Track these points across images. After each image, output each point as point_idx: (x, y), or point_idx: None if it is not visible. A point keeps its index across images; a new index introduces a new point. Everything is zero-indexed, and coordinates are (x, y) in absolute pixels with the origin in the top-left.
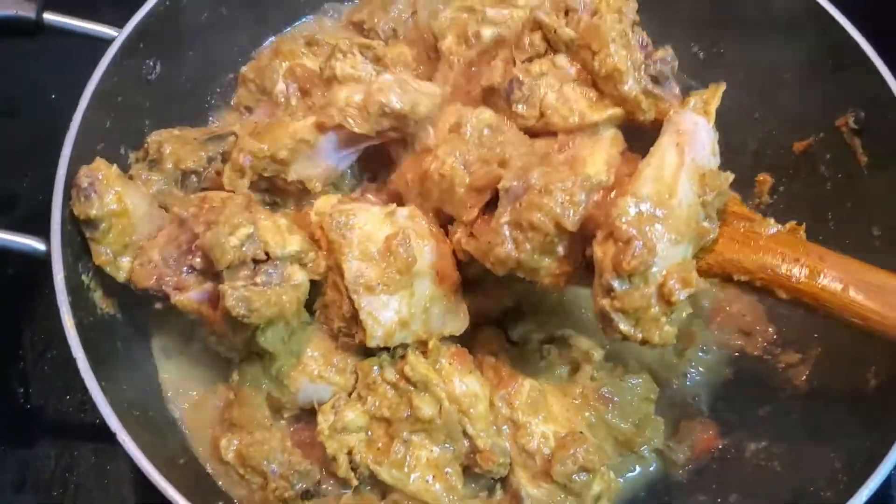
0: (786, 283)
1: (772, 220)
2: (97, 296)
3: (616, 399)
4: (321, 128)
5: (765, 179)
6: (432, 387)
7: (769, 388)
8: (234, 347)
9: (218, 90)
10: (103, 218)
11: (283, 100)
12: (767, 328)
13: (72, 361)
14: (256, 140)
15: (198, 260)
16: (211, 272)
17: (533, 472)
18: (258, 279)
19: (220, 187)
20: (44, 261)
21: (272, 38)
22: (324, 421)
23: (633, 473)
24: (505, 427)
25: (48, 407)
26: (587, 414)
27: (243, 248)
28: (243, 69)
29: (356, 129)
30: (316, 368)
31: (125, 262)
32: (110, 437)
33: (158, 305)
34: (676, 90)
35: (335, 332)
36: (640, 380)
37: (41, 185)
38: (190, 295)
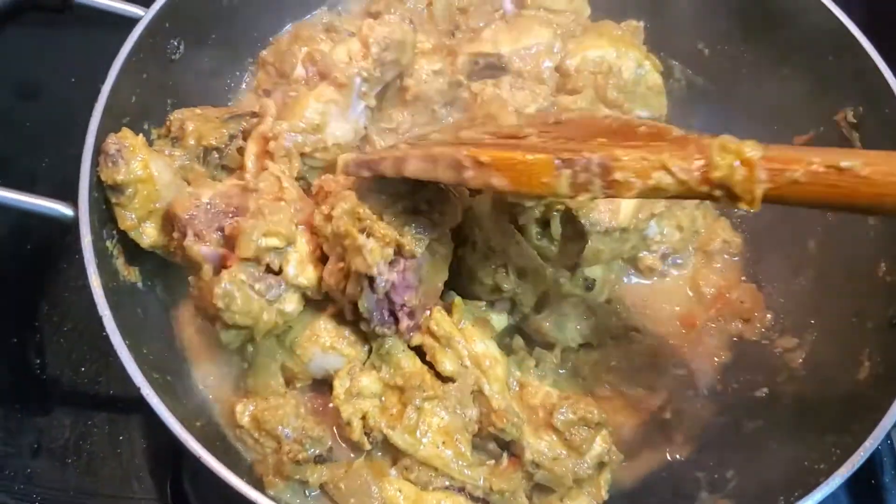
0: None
1: None
2: (119, 263)
3: (625, 369)
4: (339, 86)
5: None
6: (455, 344)
7: (767, 371)
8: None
9: (237, 73)
10: (129, 183)
11: (302, 83)
12: (766, 314)
13: (86, 334)
14: (284, 118)
15: (229, 228)
16: (232, 245)
17: (535, 424)
18: (258, 285)
19: (242, 165)
20: (64, 232)
21: (291, 25)
22: (339, 385)
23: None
24: (513, 383)
25: (63, 377)
26: (603, 387)
27: (267, 254)
28: (263, 53)
29: (368, 74)
30: (328, 339)
31: (149, 227)
32: (124, 408)
33: (175, 234)
34: None
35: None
36: (643, 348)
37: (60, 165)
38: (202, 248)
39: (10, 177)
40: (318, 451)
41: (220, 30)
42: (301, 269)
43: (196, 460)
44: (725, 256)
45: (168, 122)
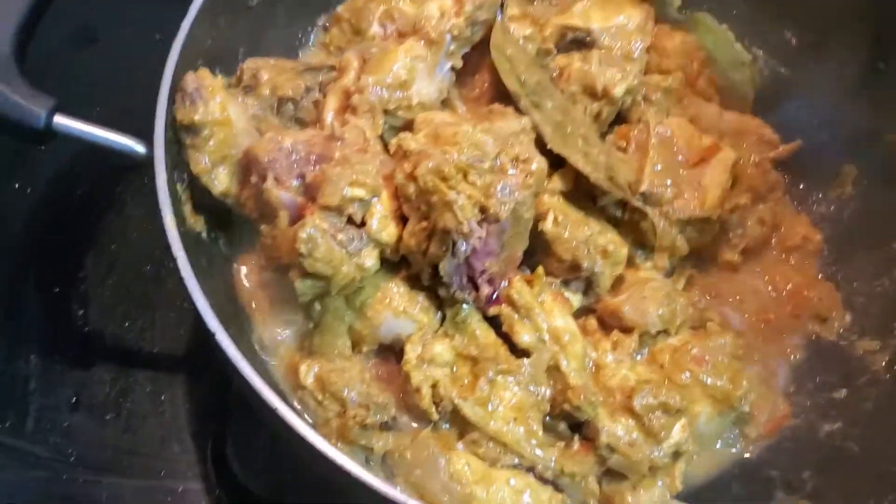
0: None
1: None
2: (187, 209)
3: (707, 358)
4: (430, 42)
5: (850, 171)
6: (534, 315)
7: (845, 373)
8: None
9: (309, 28)
10: (206, 124)
11: (378, 41)
12: (844, 315)
13: (133, 288)
14: (372, 73)
15: (311, 175)
16: (311, 194)
17: (612, 407)
18: (340, 236)
19: (317, 119)
20: (118, 178)
21: None
22: (411, 350)
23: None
24: (589, 363)
25: (106, 332)
26: (682, 376)
27: (351, 204)
28: (339, 8)
29: (459, 32)
30: (401, 303)
31: (222, 173)
32: (168, 366)
33: (254, 179)
34: None
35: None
36: (726, 339)
37: (117, 113)
38: (282, 194)
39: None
40: (382, 419)
41: None
42: (384, 225)
43: (243, 424)
44: (804, 253)
45: (240, 71)
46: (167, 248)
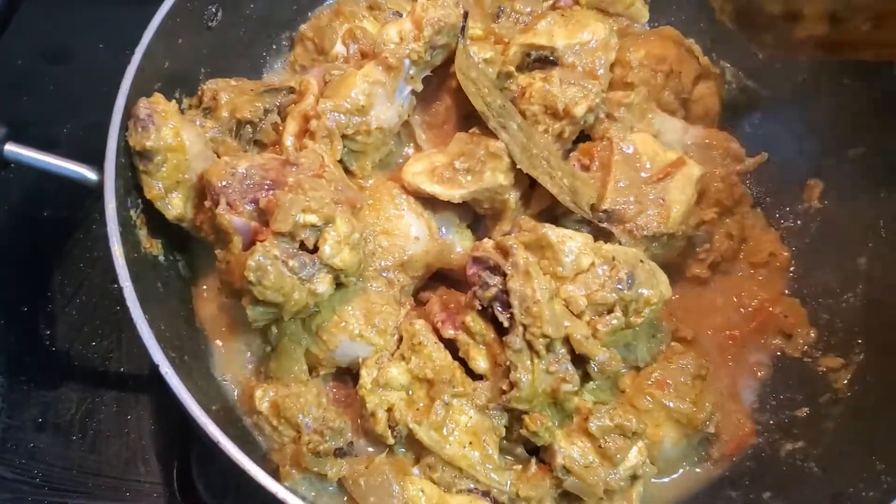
0: None
1: None
2: (142, 234)
3: (669, 381)
4: (389, 67)
5: (815, 184)
6: (490, 338)
7: (808, 391)
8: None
9: (274, 47)
10: (159, 150)
11: (341, 61)
12: (809, 331)
13: (99, 308)
14: (330, 98)
15: (265, 200)
16: (265, 219)
17: (569, 429)
18: (291, 262)
19: (276, 142)
20: (82, 200)
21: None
22: (367, 374)
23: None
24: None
25: (73, 351)
26: (644, 400)
27: (304, 230)
28: (302, 27)
29: (418, 56)
30: (357, 327)
31: (176, 198)
32: (134, 386)
33: (207, 203)
34: None
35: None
36: (688, 360)
37: (85, 130)
38: (234, 219)
39: (32, 139)
40: (338, 444)
41: (258, 0)
42: (337, 250)
43: (206, 446)
44: (771, 269)
45: (200, 92)
46: None
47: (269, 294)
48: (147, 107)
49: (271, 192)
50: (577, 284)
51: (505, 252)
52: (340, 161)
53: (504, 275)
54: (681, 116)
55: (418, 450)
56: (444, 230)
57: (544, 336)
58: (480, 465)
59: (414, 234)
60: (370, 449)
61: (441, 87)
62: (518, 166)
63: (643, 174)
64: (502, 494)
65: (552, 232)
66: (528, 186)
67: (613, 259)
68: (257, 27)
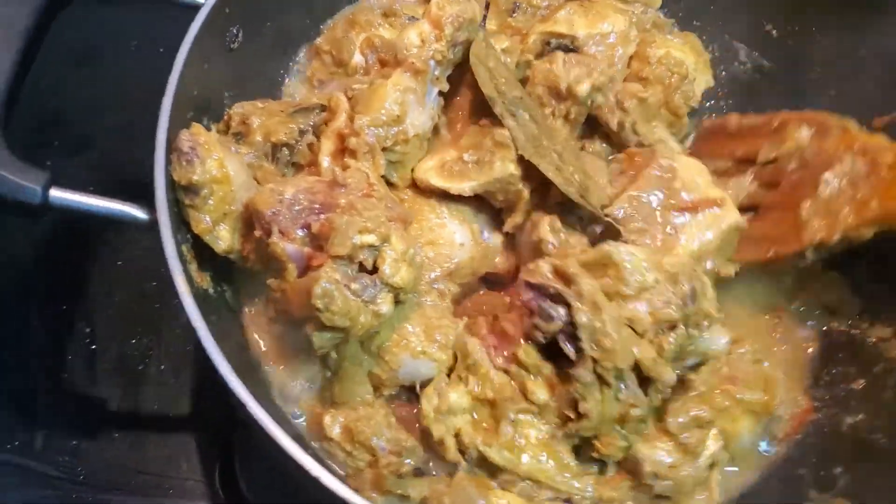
0: None
1: None
2: (193, 269)
3: (737, 374)
4: (416, 72)
5: None
6: (547, 371)
7: (861, 363)
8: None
9: (290, 63)
10: (205, 184)
11: (361, 72)
12: (854, 303)
13: (137, 306)
14: (364, 113)
15: (318, 225)
16: (318, 243)
17: (645, 434)
18: (354, 285)
19: (313, 162)
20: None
21: (346, 9)
22: (427, 404)
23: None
24: None
25: (112, 349)
26: (719, 399)
27: (361, 252)
28: (318, 41)
29: (442, 56)
30: (418, 344)
31: (223, 230)
32: (174, 384)
33: (258, 233)
34: None
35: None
36: (745, 347)
37: (112, 134)
38: (288, 246)
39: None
40: (416, 463)
41: (275, 15)
42: (396, 269)
43: (249, 441)
44: None
45: (227, 117)
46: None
47: (338, 319)
48: (189, 139)
49: (322, 215)
50: (642, 302)
51: (566, 278)
52: (382, 175)
53: (567, 304)
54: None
55: (492, 469)
56: (485, 233)
57: (616, 368)
58: (558, 474)
59: (459, 241)
60: (445, 468)
61: (461, 81)
62: (520, 152)
63: (667, 196)
64: (584, 500)
65: (615, 250)
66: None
67: (676, 274)
68: (273, 44)
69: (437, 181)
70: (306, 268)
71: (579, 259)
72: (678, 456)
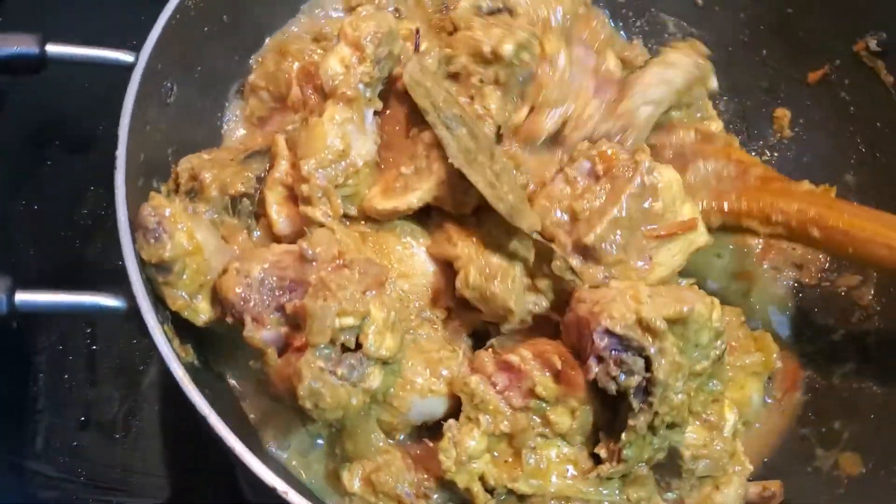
0: (819, 221)
1: (806, 182)
2: (176, 345)
3: (733, 343)
4: (349, 101)
5: (783, 114)
6: (566, 398)
7: (837, 314)
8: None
9: (225, 105)
10: (177, 258)
11: (301, 106)
12: (818, 257)
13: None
14: (308, 156)
15: (291, 305)
16: (296, 322)
17: None
18: (339, 370)
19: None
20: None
21: (272, 40)
22: (447, 458)
23: None
24: None
25: (114, 350)
26: (724, 371)
27: (342, 334)
28: (251, 78)
29: (370, 78)
30: (424, 383)
31: (201, 303)
32: (175, 386)
33: (229, 319)
34: None
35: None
36: (727, 318)
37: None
38: (264, 334)
39: None
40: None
41: (203, 61)
42: (380, 341)
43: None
44: None
45: (175, 175)
46: None
47: (328, 413)
48: (153, 214)
49: (294, 294)
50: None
51: (651, 331)
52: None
53: (645, 357)
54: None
55: (521, 498)
56: None
57: (672, 423)
58: (586, 486)
59: (431, 269)
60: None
61: (387, 99)
62: (450, 160)
63: (648, 224)
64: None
65: (700, 305)
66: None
67: (723, 332)
68: (205, 90)
69: (384, 204)
70: (286, 346)
71: (664, 314)
72: (706, 433)
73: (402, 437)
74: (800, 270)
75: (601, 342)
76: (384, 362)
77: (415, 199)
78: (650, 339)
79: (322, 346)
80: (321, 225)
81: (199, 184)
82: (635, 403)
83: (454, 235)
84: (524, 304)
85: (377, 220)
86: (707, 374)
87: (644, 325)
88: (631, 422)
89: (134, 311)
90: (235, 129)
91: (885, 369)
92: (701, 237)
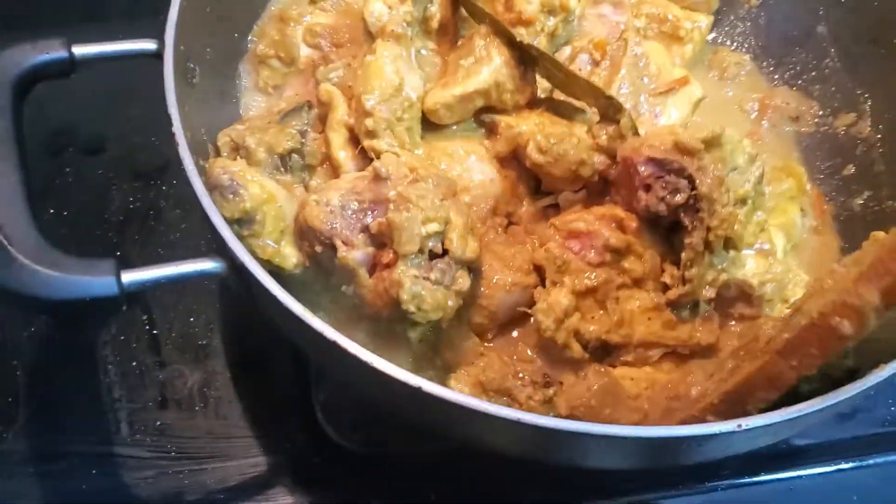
0: None
1: None
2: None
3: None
4: (397, 38)
5: None
6: (632, 246)
7: (843, 152)
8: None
9: (235, 81)
10: (256, 208)
11: (317, 62)
12: (811, 105)
13: (189, 286)
14: (367, 91)
15: (375, 223)
16: (380, 241)
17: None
18: (432, 275)
19: (324, 160)
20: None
21: (267, 11)
22: (545, 318)
23: None
24: None
25: (174, 330)
26: (766, 204)
27: (429, 241)
28: (259, 49)
29: (411, 17)
30: (506, 279)
31: (287, 248)
32: (240, 353)
33: (318, 248)
34: None
35: None
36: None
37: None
38: (356, 254)
39: None
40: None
41: (213, 39)
42: (464, 243)
43: (326, 389)
44: (743, 73)
45: (215, 149)
46: None
47: (431, 314)
48: (224, 171)
49: (375, 212)
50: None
51: (689, 152)
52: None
53: (689, 177)
54: None
55: (608, 349)
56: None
57: (725, 236)
58: (663, 331)
59: (489, 178)
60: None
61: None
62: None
63: (647, 82)
64: (685, 349)
65: (725, 131)
66: None
67: (756, 156)
68: (219, 66)
69: (444, 94)
70: (373, 265)
71: (699, 136)
72: (762, 261)
73: (491, 336)
74: (797, 122)
75: (645, 171)
76: (469, 265)
77: (476, 82)
78: (689, 160)
79: (412, 255)
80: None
81: (245, 150)
82: (687, 221)
83: (513, 123)
84: (593, 158)
85: (436, 125)
86: (751, 201)
87: (682, 149)
88: (687, 240)
89: (234, 271)
90: (251, 102)
91: None
92: (696, 90)
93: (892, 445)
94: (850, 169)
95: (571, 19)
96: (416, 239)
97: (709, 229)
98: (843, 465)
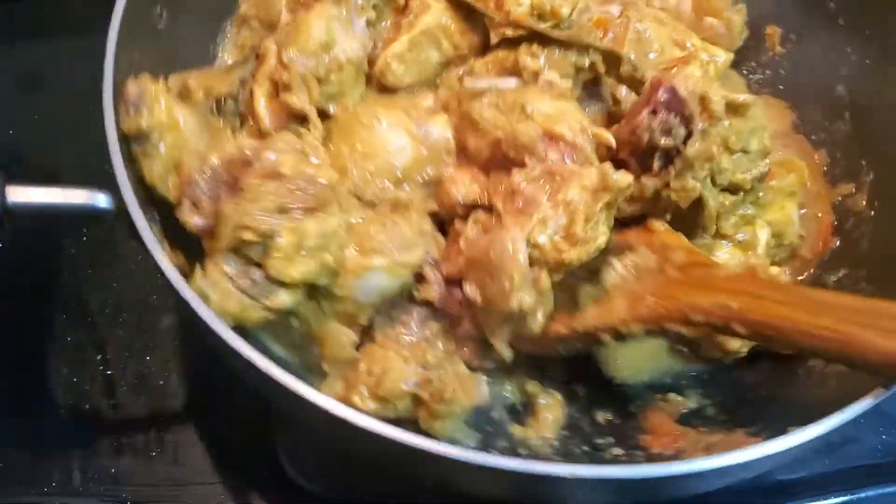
0: (741, 316)
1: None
2: (166, 247)
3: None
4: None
5: (773, 31)
6: None
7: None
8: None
9: (217, 40)
10: (154, 128)
11: None
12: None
13: (144, 322)
14: (291, 45)
15: (220, 205)
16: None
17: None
18: (242, 282)
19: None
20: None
21: None
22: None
23: None
24: None
25: (129, 370)
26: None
27: (248, 248)
28: (242, 8)
29: None
30: (359, 262)
31: (174, 178)
32: (203, 392)
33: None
34: None
35: None
36: None
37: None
38: (196, 220)
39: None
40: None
41: None
42: (284, 265)
43: (289, 432)
44: None
45: (166, 85)
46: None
47: (222, 309)
48: (136, 87)
49: (230, 193)
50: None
51: (708, 111)
52: (321, 110)
53: (689, 132)
54: None
55: None
56: (422, 128)
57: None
58: None
59: (397, 146)
60: None
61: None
62: None
63: (654, 58)
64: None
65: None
66: None
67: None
68: (201, 17)
69: (393, 48)
70: (209, 233)
71: (728, 98)
72: (740, 253)
73: (367, 325)
74: None
75: (662, 97)
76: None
77: (421, 25)
78: (703, 117)
79: (226, 251)
80: (301, 114)
81: (187, 90)
82: (656, 164)
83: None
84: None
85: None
86: (743, 194)
87: (705, 104)
88: (644, 179)
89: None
90: (227, 61)
91: (877, 272)
92: (697, 70)
93: (884, 477)
94: (835, 242)
95: (564, 26)
96: (227, 239)
97: (667, 185)
98: (834, 500)
